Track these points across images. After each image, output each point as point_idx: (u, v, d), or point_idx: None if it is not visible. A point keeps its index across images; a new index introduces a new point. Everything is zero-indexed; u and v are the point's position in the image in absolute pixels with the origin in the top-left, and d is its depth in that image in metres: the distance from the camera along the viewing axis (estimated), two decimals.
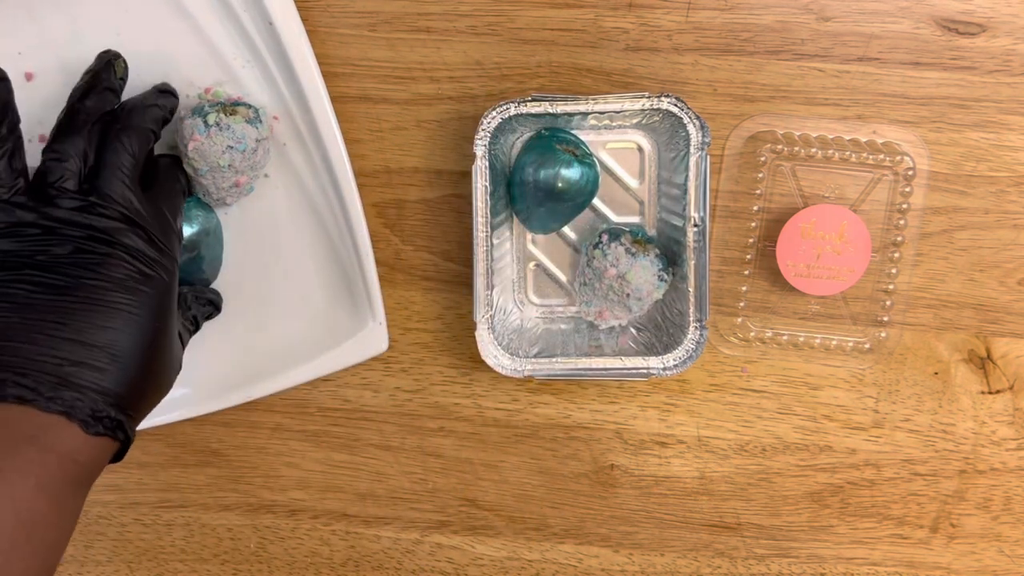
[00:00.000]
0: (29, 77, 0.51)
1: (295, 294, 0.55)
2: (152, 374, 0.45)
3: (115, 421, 0.43)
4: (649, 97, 0.50)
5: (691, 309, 0.52)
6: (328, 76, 0.53)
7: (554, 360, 0.53)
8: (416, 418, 0.57)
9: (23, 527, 0.39)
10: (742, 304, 0.55)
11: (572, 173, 0.51)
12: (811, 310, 0.55)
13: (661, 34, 0.53)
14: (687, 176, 0.51)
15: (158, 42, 0.52)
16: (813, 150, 0.53)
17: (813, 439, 0.56)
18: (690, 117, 0.50)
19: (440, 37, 0.53)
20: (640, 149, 0.54)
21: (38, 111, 0.51)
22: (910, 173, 0.53)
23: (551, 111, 0.51)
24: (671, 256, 0.53)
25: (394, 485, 0.58)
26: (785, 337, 0.55)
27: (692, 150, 0.50)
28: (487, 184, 0.51)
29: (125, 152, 0.46)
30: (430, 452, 0.58)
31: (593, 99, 0.50)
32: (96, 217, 0.44)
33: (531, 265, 0.56)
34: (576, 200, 0.52)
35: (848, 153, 0.53)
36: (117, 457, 0.45)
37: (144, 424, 0.55)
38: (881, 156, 0.53)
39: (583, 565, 0.58)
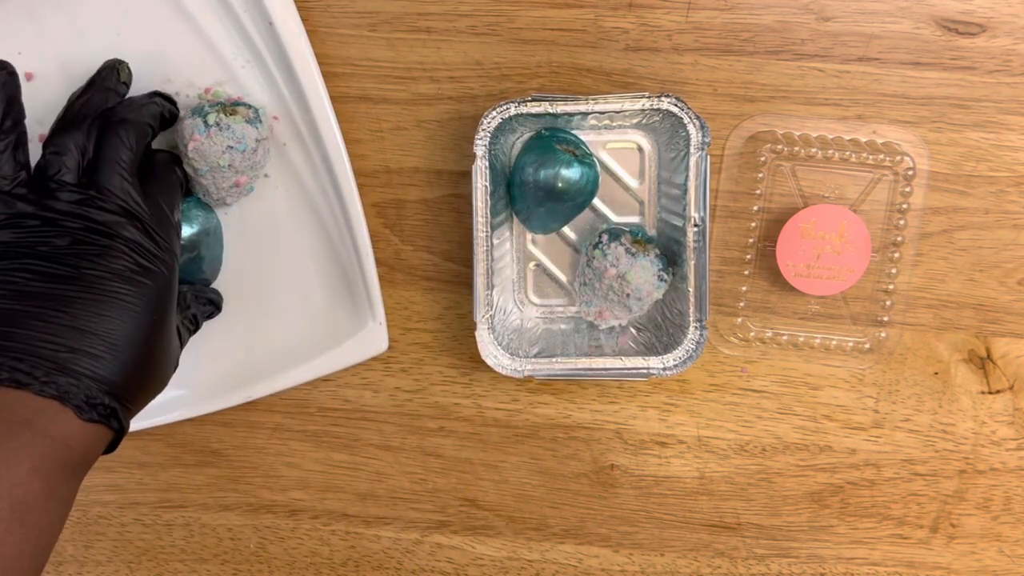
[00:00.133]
0: (29, 77, 0.51)
1: (295, 294, 0.55)
2: (148, 366, 0.45)
3: (109, 409, 0.43)
4: (649, 97, 0.50)
5: (691, 309, 0.52)
6: (328, 76, 0.53)
7: (554, 360, 0.53)
8: (416, 418, 0.57)
9: (17, 509, 0.39)
10: (742, 304, 0.55)
11: (572, 173, 0.51)
12: (811, 310, 0.55)
13: (661, 34, 0.53)
14: (687, 176, 0.51)
15: (158, 42, 0.52)
16: (813, 150, 0.53)
17: (813, 439, 0.56)
18: (690, 117, 0.50)
19: (440, 37, 0.54)
20: (640, 149, 0.54)
21: (38, 111, 0.51)
22: (910, 173, 0.53)
23: (551, 111, 0.51)
24: (671, 256, 0.53)
25: (394, 485, 0.58)
26: (785, 337, 0.55)
27: (692, 150, 0.50)
28: (487, 184, 0.51)
29: (123, 146, 0.46)
30: (430, 452, 0.58)
31: (593, 99, 0.50)
32: (95, 210, 0.45)
33: (531, 265, 0.56)
34: (576, 200, 0.52)
35: (848, 153, 0.53)
36: (110, 448, 0.45)
37: (144, 424, 0.55)
38: (881, 156, 0.53)
39: (583, 565, 0.58)
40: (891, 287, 0.54)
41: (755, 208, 0.54)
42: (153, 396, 0.47)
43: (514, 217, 0.55)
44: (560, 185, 0.51)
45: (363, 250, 0.53)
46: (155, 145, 0.52)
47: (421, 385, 0.57)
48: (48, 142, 0.46)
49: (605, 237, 0.53)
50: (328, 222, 0.54)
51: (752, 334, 0.55)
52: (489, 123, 0.51)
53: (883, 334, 0.55)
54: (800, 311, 0.55)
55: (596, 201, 0.54)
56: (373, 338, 0.54)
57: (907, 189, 0.53)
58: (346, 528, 0.59)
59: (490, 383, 0.57)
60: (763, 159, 0.53)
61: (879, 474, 0.56)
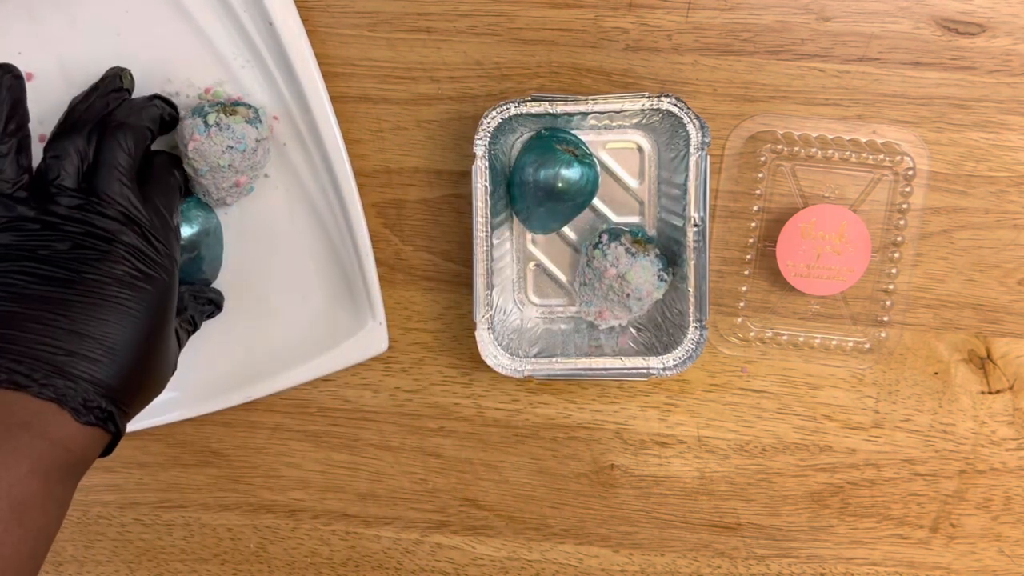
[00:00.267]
0: (29, 77, 0.51)
1: (295, 294, 0.55)
2: (146, 370, 0.45)
3: (106, 412, 0.43)
4: (649, 97, 0.50)
5: (691, 309, 0.52)
6: (328, 76, 0.53)
7: (554, 360, 0.53)
8: (416, 418, 0.57)
9: (15, 510, 0.39)
10: (742, 304, 0.55)
11: (572, 173, 0.51)
12: (811, 310, 0.55)
13: (661, 34, 0.53)
14: (687, 176, 0.51)
15: (158, 42, 0.52)
16: (813, 150, 0.53)
17: (813, 439, 0.56)
18: (690, 117, 0.50)
19: (440, 37, 0.54)
20: (640, 149, 0.54)
21: (38, 111, 0.50)
22: (910, 173, 0.53)
23: (551, 111, 0.51)
24: (671, 256, 0.53)
25: (394, 485, 0.58)
26: (785, 337, 0.55)
27: (692, 150, 0.50)
28: (487, 184, 0.51)
29: (122, 151, 0.46)
30: (430, 452, 0.58)
31: (593, 99, 0.50)
32: (94, 215, 0.45)
33: (531, 265, 0.56)
34: (576, 200, 0.52)
35: (848, 153, 0.53)
36: (107, 451, 0.45)
37: (144, 424, 0.55)
38: (881, 156, 0.53)
39: (583, 565, 0.58)
40: (891, 287, 0.54)
41: (755, 208, 0.54)
42: (150, 400, 0.47)
43: (514, 217, 0.55)
44: (560, 185, 0.51)
45: (363, 250, 0.53)
46: (155, 145, 0.52)
47: (421, 385, 0.57)
48: (49, 146, 0.46)
49: (605, 237, 0.53)
50: (328, 222, 0.54)
51: (752, 334, 0.55)
52: (489, 123, 0.51)
53: (883, 334, 0.55)
54: (800, 311, 0.55)
55: (596, 201, 0.54)
56: (373, 338, 0.54)
57: (907, 189, 0.53)
58: (346, 528, 0.59)
59: (490, 383, 0.57)
60: (763, 159, 0.53)
61: (879, 474, 0.56)
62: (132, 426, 0.55)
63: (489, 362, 0.53)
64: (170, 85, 0.52)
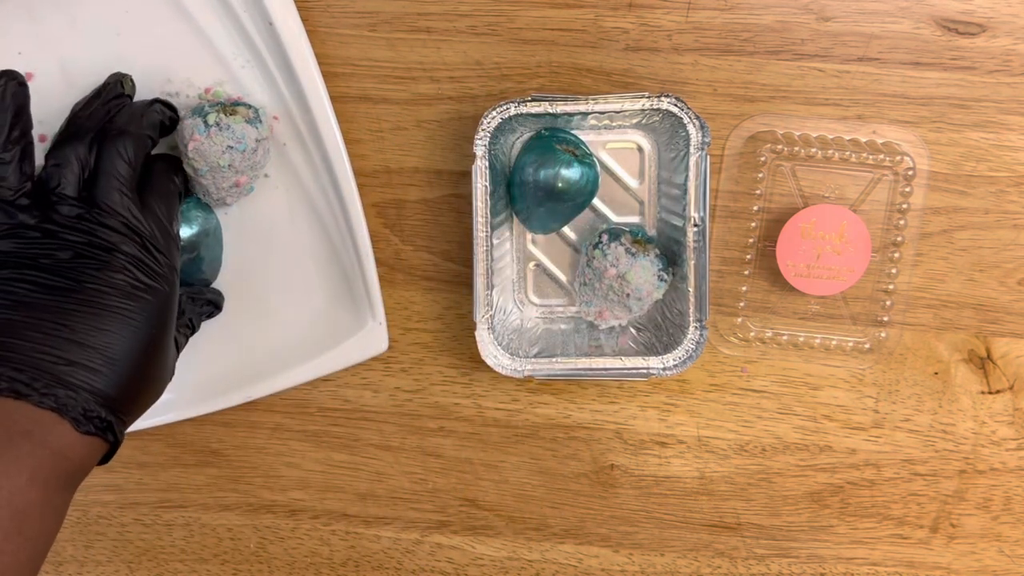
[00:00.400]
0: (29, 77, 0.51)
1: (295, 294, 0.55)
2: (145, 379, 0.46)
3: (105, 422, 0.43)
4: (649, 97, 0.50)
5: (691, 309, 0.52)
6: (328, 76, 0.53)
7: (554, 360, 0.53)
8: (416, 418, 0.57)
9: (15, 518, 0.40)
10: (742, 304, 0.55)
11: (572, 173, 0.51)
12: (811, 310, 0.55)
13: (661, 34, 0.53)
14: (687, 176, 0.51)
15: (158, 42, 0.52)
16: (813, 150, 0.53)
17: (813, 439, 0.56)
18: (690, 117, 0.50)
19: (440, 37, 0.54)
20: (640, 149, 0.54)
21: (38, 111, 0.50)
22: (910, 173, 0.53)
23: (551, 111, 0.51)
24: (671, 256, 0.53)
25: (394, 485, 0.58)
26: (785, 337, 0.55)
27: (692, 150, 0.50)
28: (487, 184, 0.51)
29: (121, 160, 0.46)
30: (430, 452, 0.58)
31: (593, 99, 0.50)
32: (95, 225, 0.45)
33: (531, 265, 0.56)
34: (576, 200, 0.52)
35: (848, 153, 0.53)
36: (104, 459, 0.45)
37: (144, 424, 0.55)
38: (881, 156, 0.53)
39: (583, 565, 0.58)
40: (891, 287, 0.54)
41: (755, 208, 0.54)
42: (147, 407, 0.47)
43: (514, 217, 0.55)
44: (560, 185, 0.51)
45: (363, 250, 0.53)
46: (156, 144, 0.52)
47: (421, 385, 0.57)
48: (50, 154, 0.46)
49: (605, 237, 0.53)
50: (328, 222, 0.54)
51: (752, 334, 0.55)
52: (489, 123, 0.51)
53: (883, 334, 0.55)
54: (800, 311, 0.55)
55: (596, 201, 0.54)
56: (373, 338, 0.54)
57: (907, 189, 0.53)
58: (346, 528, 0.59)
59: (490, 383, 0.57)
60: (763, 159, 0.53)
61: (879, 474, 0.56)
62: (132, 426, 0.54)
63: (489, 362, 0.53)
64: (170, 85, 0.52)
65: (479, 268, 0.52)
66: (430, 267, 0.56)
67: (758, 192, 0.54)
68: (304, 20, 0.51)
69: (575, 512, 0.58)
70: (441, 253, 0.56)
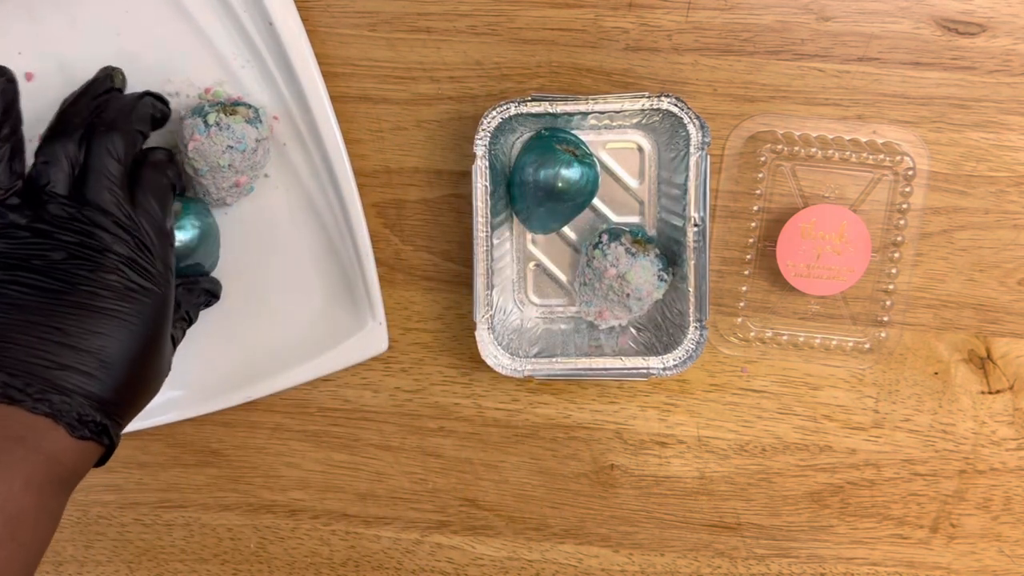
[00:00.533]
0: (29, 77, 0.51)
1: (295, 294, 0.55)
2: (140, 381, 0.45)
3: (101, 426, 0.43)
4: (649, 97, 0.50)
5: (691, 309, 0.52)
6: (328, 76, 0.53)
7: (554, 360, 0.53)
8: (416, 418, 0.57)
9: (9, 523, 0.39)
10: (742, 304, 0.55)
11: (572, 173, 0.51)
12: (811, 310, 0.55)
13: (661, 34, 0.53)
14: (687, 176, 0.51)
15: (158, 42, 0.52)
16: (813, 150, 0.53)
17: (813, 439, 0.56)
18: (690, 117, 0.50)
19: (440, 37, 0.54)
20: (640, 149, 0.54)
21: (38, 111, 0.50)
22: (910, 173, 0.53)
23: (551, 111, 0.51)
24: (671, 256, 0.53)
25: (394, 485, 0.58)
26: (785, 337, 0.55)
27: (692, 150, 0.50)
28: (487, 184, 0.51)
29: (111, 157, 0.45)
30: (430, 452, 0.58)
31: (593, 99, 0.50)
32: (85, 224, 0.44)
33: (531, 265, 0.56)
34: (576, 200, 0.52)
35: (848, 153, 0.53)
36: (100, 461, 0.45)
37: (144, 424, 0.55)
38: (881, 156, 0.53)
39: (583, 565, 0.58)
40: (891, 287, 0.54)
41: (755, 208, 0.54)
42: (144, 406, 0.47)
43: (514, 217, 0.55)
44: (560, 185, 0.51)
45: (363, 250, 0.53)
46: (155, 143, 0.52)
47: (421, 385, 0.57)
48: (39, 151, 0.45)
49: (605, 237, 0.53)
50: (328, 222, 0.54)
51: (752, 334, 0.55)
52: (489, 123, 0.51)
53: (883, 334, 0.55)
54: (800, 311, 0.55)
55: (596, 201, 0.54)
56: (373, 338, 0.54)
57: (907, 189, 0.53)
58: (346, 528, 0.59)
59: (490, 383, 0.57)
60: (763, 159, 0.53)
61: (879, 474, 0.56)
62: (132, 426, 0.54)
63: (489, 362, 0.53)
64: (170, 85, 0.52)
65: (479, 268, 0.52)
66: (430, 267, 0.56)
67: (758, 192, 0.54)
68: (304, 20, 0.51)
69: (575, 512, 0.58)
70: (441, 253, 0.56)
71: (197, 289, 0.52)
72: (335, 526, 0.59)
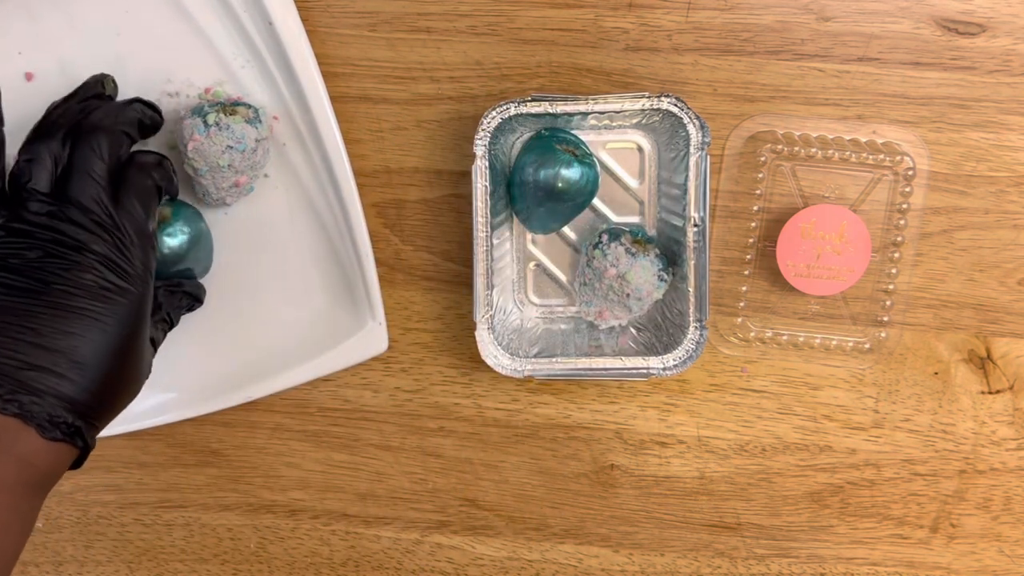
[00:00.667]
0: (29, 77, 0.51)
1: (295, 294, 0.55)
2: (116, 383, 0.44)
3: (73, 427, 0.42)
4: (649, 97, 0.50)
5: (691, 309, 0.52)
6: (328, 76, 0.53)
7: (554, 360, 0.53)
8: (416, 418, 0.57)
9: None
10: (742, 304, 0.55)
11: (572, 173, 0.51)
12: (811, 310, 0.55)
13: (661, 34, 0.53)
14: (687, 176, 0.51)
15: (158, 42, 0.52)
16: (813, 150, 0.53)
17: (813, 439, 0.56)
18: (690, 117, 0.50)
19: (440, 37, 0.53)
20: (640, 149, 0.54)
21: (38, 111, 0.50)
22: (910, 173, 0.53)
23: (551, 111, 0.51)
24: (671, 256, 0.53)
25: (394, 485, 0.58)
26: (785, 337, 0.55)
27: (692, 150, 0.50)
28: (487, 184, 0.51)
29: (95, 155, 0.45)
30: (430, 452, 0.58)
31: (593, 99, 0.50)
32: (65, 223, 0.43)
33: (531, 265, 0.56)
34: (576, 200, 0.52)
35: (848, 153, 0.53)
36: (76, 464, 0.44)
37: (144, 424, 0.55)
38: (881, 156, 0.53)
39: (583, 565, 0.58)
40: (891, 287, 0.54)
41: (755, 208, 0.54)
42: (122, 409, 0.46)
43: (514, 217, 0.55)
44: (560, 185, 0.51)
45: (363, 250, 0.53)
46: (155, 144, 0.52)
47: (421, 385, 0.57)
48: (22, 150, 0.45)
49: (605, 237, 0.53)
50: (328, 222, 0.54)
51: (752, 334, 0.55)
52: (489, 123, 0.51)
53: (883, 334, 0.55)
54: (800, 311, 0.55)
55: (596, 201, 0.54)
56: (373, 338, 0.54)
57: (907, 189, 0.53)
58: (346, 528, 0.59)
59: (490, 383, 0.57)
60: (763, 159, 0.53)
61: (879, 474, 0.56)
62: (132, 426, 0.55)
63: (489, 362, 0.53)
64: (170, 85, 0.52)
65: (479, 268, 0.52)
66: (430, 267, 0.56)
67: (758, 192, 0.54)
68: (304, 20, 0.51)
69: (575, 512, 0.58)
70: (441, 253, 0.56)
71: (179, 292, 0.51)
72: (335, 526, 0.59)
